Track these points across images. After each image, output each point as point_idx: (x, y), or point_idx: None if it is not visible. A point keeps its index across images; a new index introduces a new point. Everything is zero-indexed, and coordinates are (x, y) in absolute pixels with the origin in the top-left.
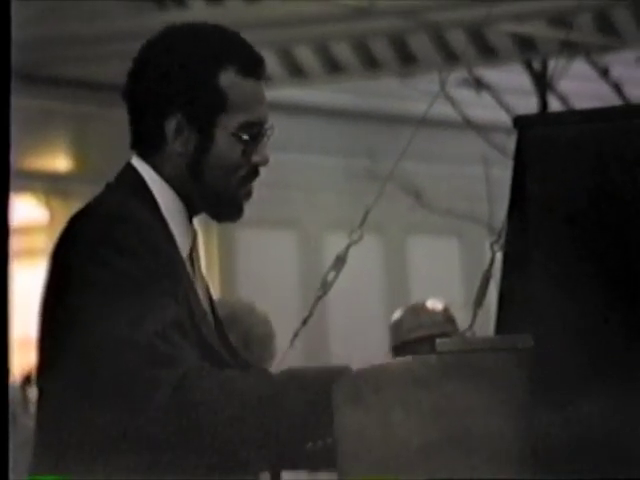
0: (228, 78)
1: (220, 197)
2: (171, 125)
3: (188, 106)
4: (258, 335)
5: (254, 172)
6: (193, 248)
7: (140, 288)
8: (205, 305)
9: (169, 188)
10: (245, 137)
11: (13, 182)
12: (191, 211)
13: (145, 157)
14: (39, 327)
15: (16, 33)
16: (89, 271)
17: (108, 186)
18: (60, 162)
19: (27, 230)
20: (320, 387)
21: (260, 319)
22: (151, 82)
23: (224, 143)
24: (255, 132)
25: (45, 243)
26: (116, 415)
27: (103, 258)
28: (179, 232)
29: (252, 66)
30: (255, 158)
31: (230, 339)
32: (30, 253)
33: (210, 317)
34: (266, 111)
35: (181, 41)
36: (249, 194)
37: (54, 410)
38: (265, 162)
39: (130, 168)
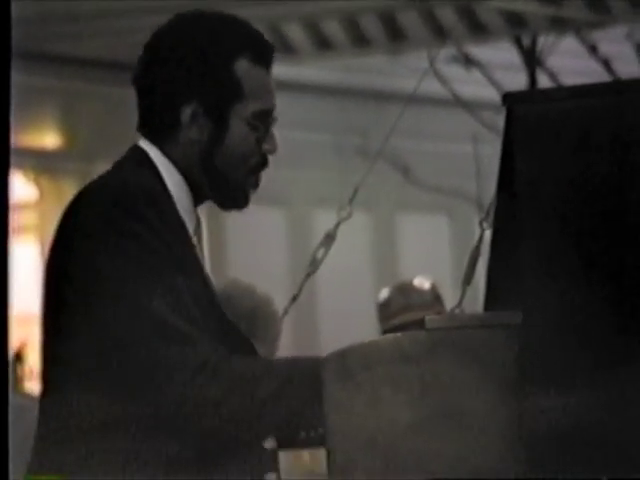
0: (243, 67)
1: (230, 185)
2: (187, 112)
3: (204, 94)
4: (261, 316)
5: (264, 161)
6: (196, 233)
7: (159, 259)
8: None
9: (177, 171)
10: (259, 125)
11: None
12: (196, 198)
13: (154, 140)
14: (46, 300)
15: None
16: (107, 239)
17: (116, 164)
18: (49, 139)
19: (16, 207)
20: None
21: (262, 300)
22: (167, 69)
23: (238, 131)
24: (267, 120)
25: (34, 221)
26: (133, 392)
27: (120, 226)
28: (184, 215)
29: (264, 54)
30: (265, 147)
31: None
32: (19, 230)
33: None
34: (275, 99)
35: (196, 29)
36: (257, 183)
37: (63, 381)
38: (274, 151)
39: (138, 149)
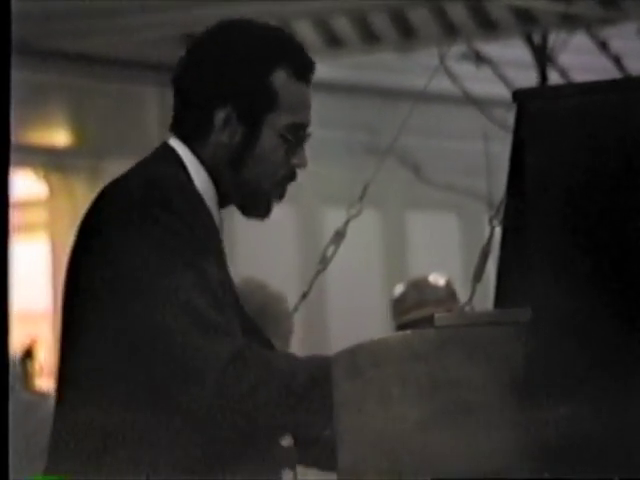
0: (281, 78)
1: (255, 193)
2: (220, 116)
3: (240, 100)
4: (272, 313)
5: (292, 174)
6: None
7: (191, 249)
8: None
9: (204, 171)
10: (290, 138)
11: (11, 157)
12: (220, 201)
13: (185, 140)
14: (68, 296)
15: (14, 6)
16: (139, 229)
17: (143, 160)
18: (58, 136)
19: (26, 205)
20: None
21: (274, 297)
22: (206, 73)
23: (269, 141)
24: (299, 134)
25: (44, 218)
26: (166, 384)
27: (152, 216)
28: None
29: (305, 70)
30: (295, 160)
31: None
32: (29, 228)
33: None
34: (310, 116)
35: (239, 37)
36: (282, 195)
37: (87, 378)
38: (304, 165)
39: (167, 147)
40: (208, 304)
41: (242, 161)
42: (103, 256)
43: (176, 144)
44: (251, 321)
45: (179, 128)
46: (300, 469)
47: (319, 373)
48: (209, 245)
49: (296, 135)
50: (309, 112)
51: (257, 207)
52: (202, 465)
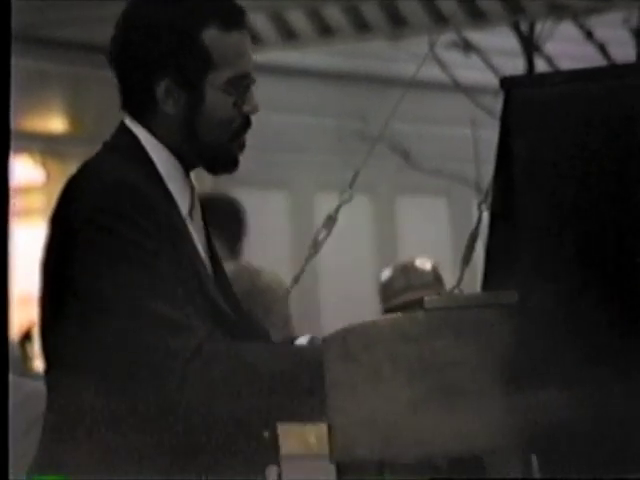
0: (211, 36)
1: (216, 151)
2: (161, 88)
3: (175, 67)
4: (268, 299)
5: (246, 122)
6: (192, 203)
7: (144, 254)
8: (207, 261)
9: (163, 147)
10: (234, 91)
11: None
12: (187, 167)
13: (137, 117)
14: (41, 293)
15: None
16: (93, 238)
17: (104, 147)
18: (56, 123)
19: (24, 191)
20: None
21: (268, 283)
22: (136, 47)
23: (214, 99)
24: (243, 84)
25: (42, 203)
26: (132, 386)
27: (106, 225)
28: (177, 189)
29: (233, 19)
30: (246, 108)
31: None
32: (27, 213)
33: (211, 273)
34: (251, 60)
35: (161, 4)
36: (243, 145)
37: (63, 386)
38: (255, 110)
39: (124, 128)
40: (165, 305)
41: (193, 126)
42: (64, 264)
43: (131, 123)
44: (241, 307)
45: (128, 106)
46: (290, 452)
47: (293, 362)
48: (171, 244)
49: (240, 85)
50: (249, 58)
51: (221, 164)
52: (181, 459)
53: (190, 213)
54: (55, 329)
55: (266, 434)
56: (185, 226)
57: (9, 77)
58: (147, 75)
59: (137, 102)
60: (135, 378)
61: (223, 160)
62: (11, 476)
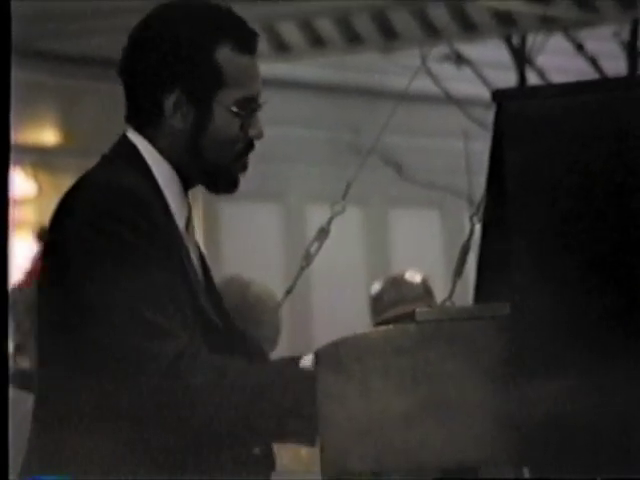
0: (224, 55)
1: (218, 170)
2: (170, 101)
3: (186, 83)
4: (259, 311)
5: (250, 145)
6: (189, 220)
7: (141, 259)
8: (200, 275)
9: (165, 161)
10: (242, 112)
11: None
12: (186, 184)
13: (141, 130)
14: (41, 293)
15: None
16: (93, 240)
17: (104, 158)
18: (49, 136)
19: (16, 203)
20: (309, 383)
21: (259, 296)
22: (149, 59)
23: (222, 118)
24: (251, 107)
25: (34, 216)
26: (111, 385)
27: (106, 227)
28: (175, 203)
29: (247, 41)
30: (251, 132)
31: (227, 310)
32: (19, 226)
33: (203, 285)
34: (260, 85)
35: (178, 19)
36: (245, 167)
37: (52, 381)
38: (260, 136)
39: (126, 140)
40: (151, 310)
41: (198, 143)
42: (64, 261)
43: (134, 136)
44: (231, 320)
45: (133, 119)
46: (283, 467)
47: (274, 378)
48: (167, 252)
49: (248, 108)
50: (258, 83)
51: (222, 184)
52: (168, 463)
53: (187, 228)
54: (48, 325)
55: (257, 450)
56: (181, 238)
57: (9, 90)
58: (157, 87)
59: (143, 114)
60: (117, 378)
61: (224, 180)
62: (11, 476)
